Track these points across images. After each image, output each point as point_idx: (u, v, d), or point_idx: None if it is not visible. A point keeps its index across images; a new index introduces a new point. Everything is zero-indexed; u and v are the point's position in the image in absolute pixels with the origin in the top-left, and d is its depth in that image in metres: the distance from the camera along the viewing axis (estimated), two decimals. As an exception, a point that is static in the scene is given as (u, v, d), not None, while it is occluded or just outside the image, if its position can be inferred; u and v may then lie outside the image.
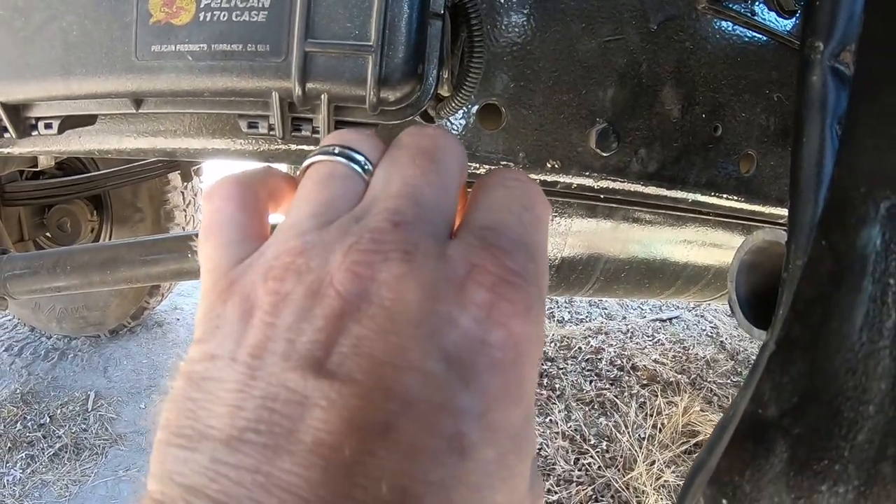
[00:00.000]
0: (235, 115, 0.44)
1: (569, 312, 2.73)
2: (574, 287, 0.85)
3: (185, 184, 2.03)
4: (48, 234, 1.96)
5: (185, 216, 2.06)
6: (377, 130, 0.47)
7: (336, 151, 0.23)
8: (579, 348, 2.38)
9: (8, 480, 1.62)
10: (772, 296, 0.37)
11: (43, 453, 1.72)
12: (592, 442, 1.84)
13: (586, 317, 2.72)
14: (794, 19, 0.62)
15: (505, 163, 0.55)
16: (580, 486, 1.65)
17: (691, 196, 0.63)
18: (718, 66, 0.60)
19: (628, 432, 1.86)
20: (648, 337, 2.54)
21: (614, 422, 1.92)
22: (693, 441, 1.81)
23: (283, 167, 0.67)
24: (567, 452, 1.78)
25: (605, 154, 0.56)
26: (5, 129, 0.47)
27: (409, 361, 0.16)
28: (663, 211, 0.76)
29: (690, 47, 0.58)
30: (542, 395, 2.05)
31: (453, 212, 0.22)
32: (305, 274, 0.18)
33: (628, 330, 2.58)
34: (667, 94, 0.58)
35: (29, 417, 1.86)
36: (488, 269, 0.18)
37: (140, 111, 0.45)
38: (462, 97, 0.46)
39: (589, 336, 2.49)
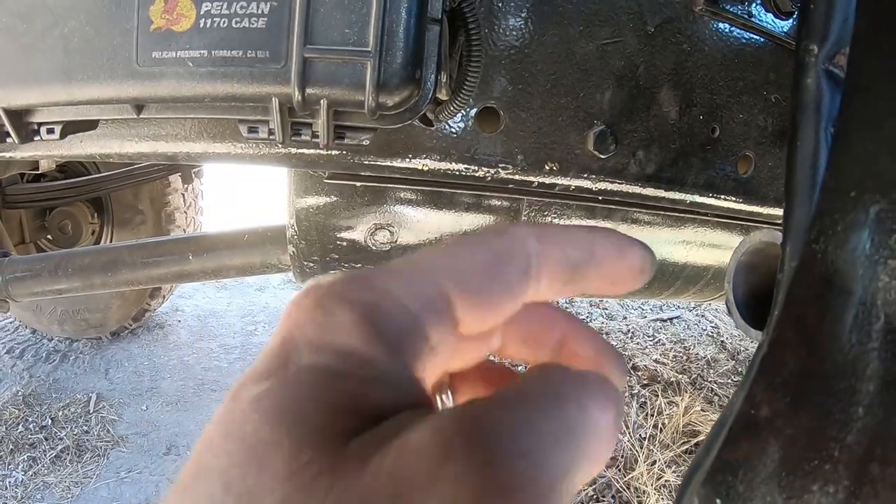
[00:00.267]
0: (236, 119, 0.44)
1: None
2: (573, 288, 0.85)
3: (186, 186, 2.03)
4: (49, 236, 1.97)
5: (186, 218, 2.06)
6: (375, 135, 0.48)
7: None
8: (580, 348, 2.36)
9: (10, 482, 1.62)
10: (769, 297, 0.37)
11: (45, 455, 1.72)
12: (593, 442, 1.84)
13: (587, 317, 2.72)
14: (791, 20, 0.62)
15: (503, 165, 0.55)
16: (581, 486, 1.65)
17: (689, 197, 0.64)
18: (716, 67, 0.60)
19: (629, 432, 1.86)
20: (649, 337, 2.54)
21: (615, 422, 1.91)
22: (694, 441, 1.81)
23: (282, 171, 0.67)
24: (568, 452, 1.78)
25: (603, 156, 0.56)
26: (8, 134, 0.47)
27: None
28: (662, 212, 0.77)
29: (688, 49, 0.58)
30: (542, 395, 2.04)
31: None
32: None
33: (629, 330, 2.58)
34: (664, 96, 0.58)
35: (31, 419, 1.86)
36: None
37: (141, 116, 0.45)
38: (460, 101, 0.46)
39: (589, 336, 2.47)
